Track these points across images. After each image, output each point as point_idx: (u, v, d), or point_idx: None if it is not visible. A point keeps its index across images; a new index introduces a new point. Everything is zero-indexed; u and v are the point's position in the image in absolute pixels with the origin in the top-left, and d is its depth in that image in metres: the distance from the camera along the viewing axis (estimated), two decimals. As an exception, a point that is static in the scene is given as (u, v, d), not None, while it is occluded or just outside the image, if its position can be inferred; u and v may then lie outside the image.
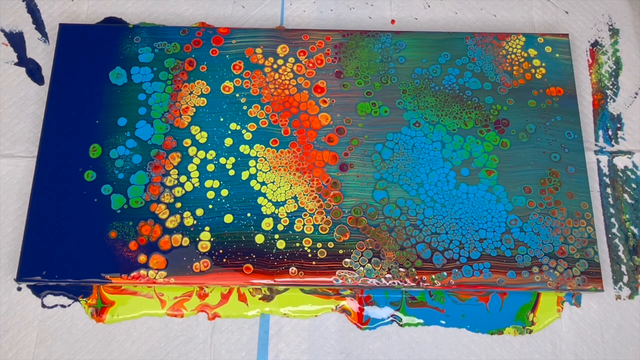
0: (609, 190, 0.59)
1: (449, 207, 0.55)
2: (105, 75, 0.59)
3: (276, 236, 0.54)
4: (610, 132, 0.61)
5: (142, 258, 0.53)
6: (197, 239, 0.54)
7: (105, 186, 0.55)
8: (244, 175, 0.56)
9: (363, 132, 0.58)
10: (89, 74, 0.59)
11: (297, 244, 0.54)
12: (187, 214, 0.55)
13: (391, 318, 0.55)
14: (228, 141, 0.57)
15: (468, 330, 0.54)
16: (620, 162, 0.60)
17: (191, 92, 0.59)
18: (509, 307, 0.55)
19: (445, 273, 0.53)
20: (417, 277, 0.53)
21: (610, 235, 0.57)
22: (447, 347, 0.53)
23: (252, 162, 0.57)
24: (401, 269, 0.53)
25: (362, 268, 0.53)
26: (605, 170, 0.60)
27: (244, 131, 0.58)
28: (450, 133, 0.58)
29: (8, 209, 0.57)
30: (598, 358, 0.53)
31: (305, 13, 0.66)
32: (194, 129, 0.58)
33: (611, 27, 0.65)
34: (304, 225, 0.54)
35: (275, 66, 0.60)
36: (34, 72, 0.62)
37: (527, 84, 0.60)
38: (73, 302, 0.54)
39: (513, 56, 0.61)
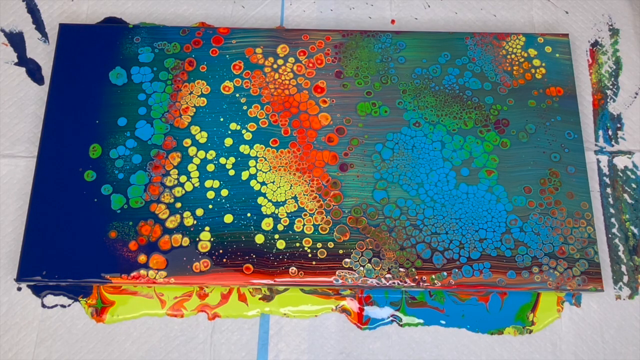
0: (609, 190, 0.59)
1: (449, 207, 0.55)
2: (105, 75, 0.59)
3: (276, 236, 0.54)
4: (610, 132, 0.61)
5: (142, 258, 0.53)
6: (197, 239, 0.54)
7: (105, 186, 0.55)
8: (244, 175, 0.56)
9: (363, 132, 0.58)
10: (89, 74, 0.59)
11: (297, 244, 0.54)
12: (187, 214, 0.55)
13: (391, 318, 0.55)
14: (228, 141, 0.57)
15: (468, 330, 0.54)
16: (620, 162, 0.60)
17: (191, 92, 0.59)
18: (509, 307, 0.55)
19: (445, 273, 0.53)
20: (417, 277, 0.53)
21: (610, 235, 0.57)
22: (447, 347, 0.53)
23: (252, 162, 0.57)
24: (401, 269, 0.53)
25: (362, 268, 0.53)
26: (605, 170, 0.60)
27: (244, 131, 0.58)
28: (450, 133, 0.58)
29: (8, 209, 0.57)
30: (598, 358, 0.53)
31: (305, 13, 0.66)
32: (194, 129, 0.58)
33: (611, 27, 0.65)
34: (304, 225, 0.54)
35: (275, 66, 0.60)
36: (34, 72, 0.62)
37: (527, 84, 0.60)
38: (73, 302, 0.54)
39: (513, 56, 0.61)
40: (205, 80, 0.60)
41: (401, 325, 0.54)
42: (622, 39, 0.65)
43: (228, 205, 0.55)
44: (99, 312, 0.54)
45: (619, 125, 0.61)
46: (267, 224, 0.54)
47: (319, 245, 0.54)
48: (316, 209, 0.55)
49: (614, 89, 0.63)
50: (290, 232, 0.54)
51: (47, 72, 0.62)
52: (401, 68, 0.60)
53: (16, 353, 0.53)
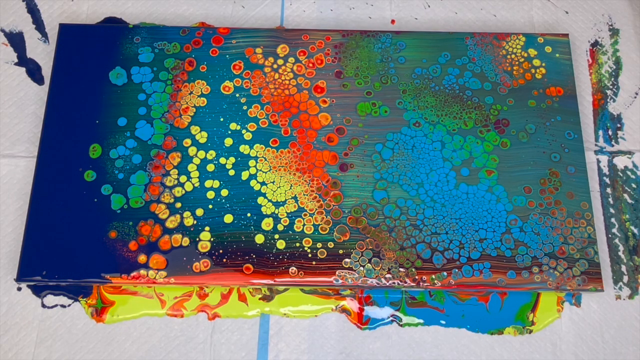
0: (609, 190, 0.59)
1: (449, 207, 0.55)
2: (105, 75, 0.59)
3: (276, 236, 0.54)
4: (610, 132, 0.61)
5: (142, 258, 0.53)
6: (197, 239, 0.54)
7: (105, 186, 0.55)
8: (244, 175, 0.56)
9: (363, 132, 0.58)
10: (89, 74, 0.59)
11: (297, 244, 0.54)
12: (187, 214, 0.55)
13: (391, 318, 0.55)
14: (228, 141, 0.57)
15: (468, 330, 0.54)
16: (620, 162, 0.60)
17: (191, 92, 0.59)
18: (509, 307, 0.55)
19: (445, 273, 0.53)
20: (417, 277, 0.53)
21: (610, 235, 0.57)
22: (447, 347, 0.53)
23: (252, 162, 0.57)
24: (401, 269, 0.53)
25: (362, 268, 0.53)
26: (605, 170, 0.60)
27: (244, 131, 0.58)
28: (450, 133, 0.58)
29: (8, 209, 0.57)
30: (598, 358, 0.53)
31: (305, 13, 0.66)
32: (194, 129, 0.58)
33: (611, 27, 0.65)
34: (304, 225, 0.54)
35: (275, 66, 0.60)
36: (34, 72, 0.62)
37: (527, 84, 0.60)
38: (73, 302, 0.54)
39: (513, 56, 0.61)
40: (205, 80, 0.60)
41: (401, 325, 0.54)
42: (622, 39, 0.65)
43: (228, 205, 0.55)
44: (99, 312, 0.54)
45: (619, 125, 0.61)
46: (267, 224, 0.54)
47: (319, 245, 0.54)
48: (316, 209, 0.55)
49: (614, 89, 0.63)
50: (290, 232, 0.54)
51: (47, 72, 0.62)
52: (401, 68, 0.60)
53: (16, 353, 0.53)
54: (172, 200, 0.55)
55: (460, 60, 0.61)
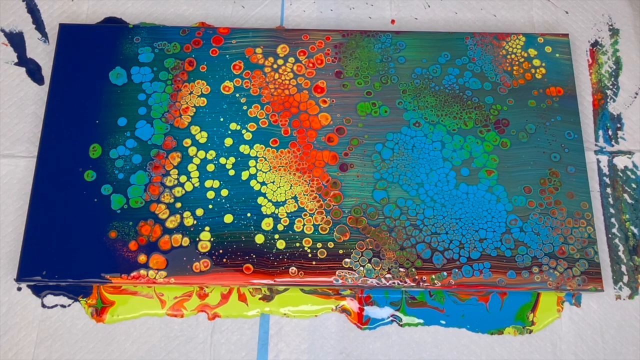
0: (609, 190, 0.59)
1: (449, 207, 0.55)
2: (105, 75, 0.59)
3: (276, 236, 0.54)
4: (610, 132, 0.61)
5: (142, 258, 0.53)
6: (197, 239, 0.54)
7: (105, 186, 0.55)
8: (244, 175, 0.56)
9: (363, 132, 0.58)
10: (89, 74, 0.59)
11: (297, 244, 0.54)
12: (187, 214, 0.55)
13: (391, 318, 0.55)
14: (228, 141, 0.57)
15: (468, 330, 0.54)
16: (620, 162, 0.60)
17: (191, 92, 0.59)
18: (509, 307, 0.55)
19: (445, 273, 0.53)
20: (417, 277, 0.53)
21: (610, 235, 0.57)
22: (447, 347, 0.53)
23: (252, 162, 0.57)
24: (401, 269, 0.53)
25: (362, 268, 0.53)
26: (605, 170, 0.60)
27: (244, 131, 0.58)
28: (450, 133, 0.58)
29: (8, 209, 0.57)
30: (598, 358, 0.53)
31: (305, 13, 0.66)
32: (194, 129, 0.58)
33: (611, 27, 0.65)
34: (304, 225, 0.54)
35: (275, 66, 0.60)
36: (34, 72, 0.62)
37: (527, 84, 0.60)
38: (73, 302, 0.54)
39: (513, 56, 0.61)
40: (205, 80, 0.60)
41: (401, 325, 0.54)
42: (622, 39, 0.65)
43: (228, 205, 0.55)
44: (99, 312, 0.54)
45: (619, 125, 0.61)
46: (267, 224, 0.54)
47: (319, 245, 0.54)
48: (316, 209, 0.55)
49: (614, 89, 0.63)
50: (290, 232, 0.54)
51: (47, 72, 0.62)
52: (401, 68, 0.60)
53: (16, 353, 0.53)
54: (172, 200, 0.55)
55: (460, 60, 0.61)
